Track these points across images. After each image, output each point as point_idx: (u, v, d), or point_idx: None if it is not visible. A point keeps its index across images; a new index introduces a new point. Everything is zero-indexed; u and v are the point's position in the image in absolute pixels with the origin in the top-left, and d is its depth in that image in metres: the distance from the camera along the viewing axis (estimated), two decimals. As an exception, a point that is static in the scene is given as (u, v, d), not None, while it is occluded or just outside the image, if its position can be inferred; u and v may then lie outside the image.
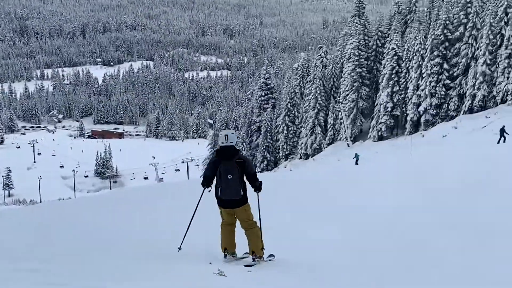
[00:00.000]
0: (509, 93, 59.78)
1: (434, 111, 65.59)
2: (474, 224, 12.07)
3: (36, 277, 6.66)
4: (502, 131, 36.96)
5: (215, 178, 7.78)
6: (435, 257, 9.67)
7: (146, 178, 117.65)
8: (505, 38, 60.28)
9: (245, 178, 7.82)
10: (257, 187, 7.89)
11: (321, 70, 79.55)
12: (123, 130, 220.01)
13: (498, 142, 36.50)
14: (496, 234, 10.94)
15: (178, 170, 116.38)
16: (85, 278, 6.84)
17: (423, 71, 65.64)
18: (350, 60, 75.08)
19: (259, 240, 8.00)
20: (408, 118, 67.92)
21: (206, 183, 7.85)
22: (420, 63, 66.19)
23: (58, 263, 8.64)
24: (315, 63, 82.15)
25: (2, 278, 6.46)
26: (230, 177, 7.60)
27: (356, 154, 50.92)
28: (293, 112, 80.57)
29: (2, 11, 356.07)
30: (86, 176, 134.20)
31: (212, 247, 8.98)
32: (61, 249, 11.36)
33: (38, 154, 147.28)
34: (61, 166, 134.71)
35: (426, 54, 65.46)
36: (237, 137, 6.77)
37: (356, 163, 46.31)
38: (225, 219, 8.08)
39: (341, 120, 74.89)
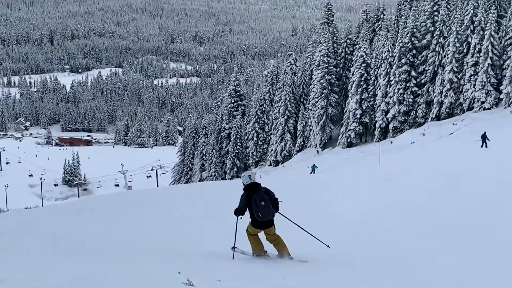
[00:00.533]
0: (475, 100, 60.58)
1: (402, 118, 66.20)
2: (441, 227, 12.15)
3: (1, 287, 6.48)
4: (484, 137, 37.80)
5: (252, 208, 9.75)
6: (404, 258, 9.74)
7: (117, 185, 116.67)
8: (471, 46, 61.13)
9: None
10: (277, 208, 10.11)
11: (291, 77, 79.77)
12: (91, 138, 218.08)
13: (481, 147, 37.25)
14: (463, 237, 11.05)
15: (150, 176, 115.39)
16: (50, 286, 6.69)
17: (391, 79, 66.22)
18: (319, 67, 75.41)
19: (286, 245, 10.05)
20: (377, 125, 68.42)
21: (240, 214, 9.91)
22: (388, 70, 66.77)
23: (25, 272, 8.43)
24: (285, 70, 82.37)
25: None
26: (263, 203, 9.67)
27: (314, 165, 51.75)
28: (262, 119, 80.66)
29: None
30: (55, 185, 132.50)
31: (183, 256, 8.85)
32: (27, 258, 11.11)
33: (7, 163, 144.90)
34: (30, 175, 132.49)
35: (394, 61, 66.08)
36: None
37: (311, 173, 47.50)
38: (256, 233, 10.11)
39: (311, 127, 75.12)
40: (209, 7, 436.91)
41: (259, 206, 9.64)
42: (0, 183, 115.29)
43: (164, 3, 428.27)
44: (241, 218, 9.98)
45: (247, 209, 9.81)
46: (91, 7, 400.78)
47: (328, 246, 10.30)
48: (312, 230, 10.56)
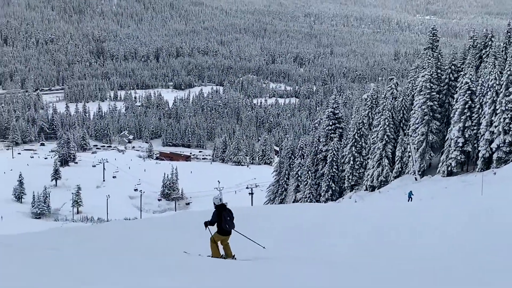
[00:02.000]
0: None
1: (508, 149, 63.52)
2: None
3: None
4: None
5: (222, 221, 13.59)
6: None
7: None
8: None
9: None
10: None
11: (391, 101, 78.54)
12: (190, 153, 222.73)
13: None
14: None
15: (252, 193, 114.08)
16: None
17: (497, 107, 63.82)
18: (421, 93, 73.80)
19: (231, 249, 14.06)
20: (480, 155, 66.01)
21: (211, 225, 13.76)
22: (495, 98, 64.41)
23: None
24: (385, 94, 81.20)
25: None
26: (229, 218, 13.65)
27: (410, 191, 50.91)
28: (360, 143, 79.70)
29: (81, 32, 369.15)
30: (159, 200, 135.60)
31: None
32: (128, 272, 11.28)
33: (113, 177, 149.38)
34: (136, 189, 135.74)
35: (501, 90, 63.67)
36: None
37: (409, 201, 46.97)
38: (220, 241, 13.86)
39: (410, 153, 73.51)
40: (311, 29, 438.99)
41: (227, 220, 13.59)
42: (102, 193, 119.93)
43: (267, 24, 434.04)
44: (207, 228, 13.92)
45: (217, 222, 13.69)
46: (197, 26, 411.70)
47: (263, 247, 14.72)
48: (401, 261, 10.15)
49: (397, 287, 10.03)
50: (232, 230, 13.86)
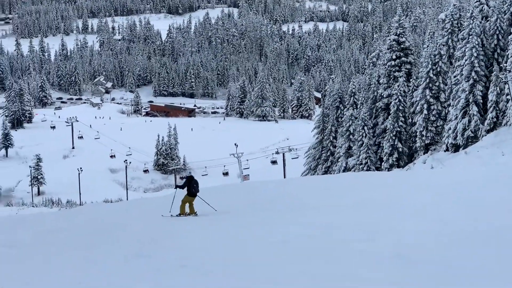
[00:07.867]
0: None
1: None
2: None
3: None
4: None
5: (191, 186, 26.49)
6: None
7: (225, 173, 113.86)
8: None
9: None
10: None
11: (480, 23, 78.11)
12: (195, 106, 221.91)
13: None
14: None
15: (275, 162, 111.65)
16: None
17: None
18: (524, 9, 73.30)
19: (194, 208, 26.87)
20: None
21: (182, 188, 26.93)
22: None
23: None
24: (472, 13, 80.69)
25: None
26: (195, 185, 26.44)
27: None
28: (437, 84, 79.39)
29: None
30: (145, 171, 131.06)
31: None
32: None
33: (79, 137, 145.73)
34: (112, 156, 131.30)
35: None
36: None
37: None
38: (189, 201, 26.41)
39: (508, 97, 73.36)
40: None
41: (193, 186, 25.93)
42: (71, 166, 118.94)
43: None
44: (175, 190, 27.84)
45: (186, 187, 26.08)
46: None
47: (215, 210, 26.17)
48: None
49: None
50: (197, 194, 26.23)
